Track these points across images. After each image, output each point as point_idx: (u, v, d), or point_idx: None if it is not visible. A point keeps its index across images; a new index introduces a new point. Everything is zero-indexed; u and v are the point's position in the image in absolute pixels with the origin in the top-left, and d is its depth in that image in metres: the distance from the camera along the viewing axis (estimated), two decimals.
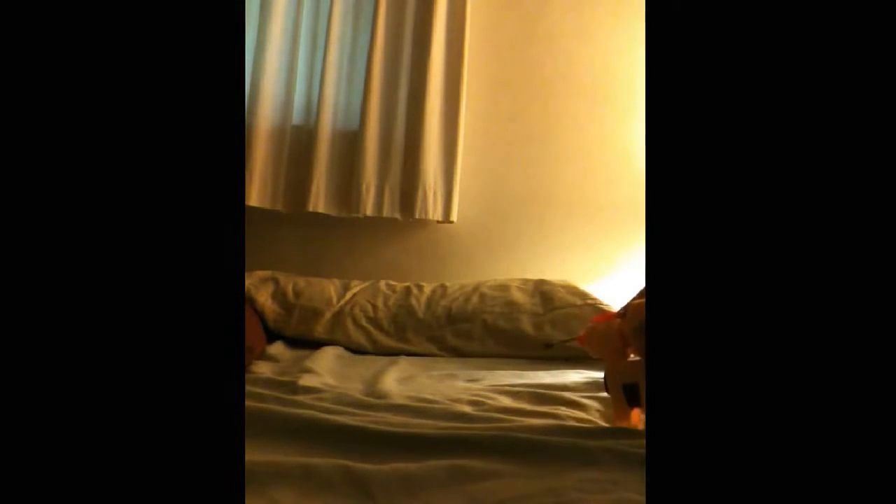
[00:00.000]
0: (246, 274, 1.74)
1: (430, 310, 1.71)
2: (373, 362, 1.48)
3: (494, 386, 1.20)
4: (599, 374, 1.39)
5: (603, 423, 0.95)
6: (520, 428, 0.84)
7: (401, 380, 1.27)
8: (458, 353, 1.63)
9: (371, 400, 1.02)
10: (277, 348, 1.57)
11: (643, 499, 0.58)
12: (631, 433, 0.80)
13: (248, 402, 0.93)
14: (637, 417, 0.88)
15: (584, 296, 1.71)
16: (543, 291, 1.73)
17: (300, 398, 1.00)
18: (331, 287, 1.79)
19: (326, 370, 1.33)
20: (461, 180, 1.99)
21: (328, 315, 1.70)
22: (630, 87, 2.01)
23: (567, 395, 1.11)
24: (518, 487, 0.62)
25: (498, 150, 2.06)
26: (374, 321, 1.69)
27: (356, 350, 1.63)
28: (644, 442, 0.47)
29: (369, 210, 1.97)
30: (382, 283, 1.82)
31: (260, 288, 1.76)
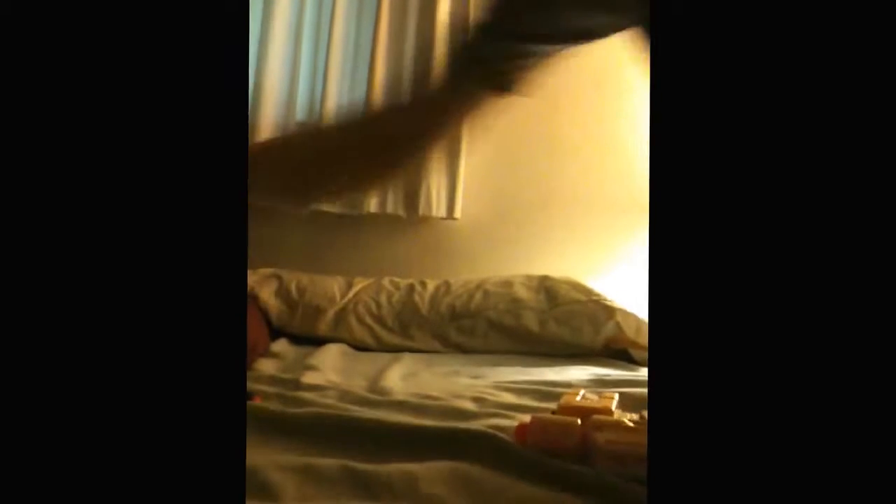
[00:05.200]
0: (249, 271, 1.74)
1: (433, 307, 1.71)
2: (376, 359, 1.47)
3: (498, 383, 1.20)
4: (603, 371, 1.39)
5: None
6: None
7: (405, 376, 1.27)
8: (461, 350, 1.63)
9: (375, 397, 1.02)
10: (281, 345, 1.57)
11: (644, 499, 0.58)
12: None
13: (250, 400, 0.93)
14: None
15: (588, 292, 1.71)
16: (548, 288, 1.73)
17: (303, 395, 1.00)
18: (334, 284, 1.79)
19: (330, 367, 1.33)
20: (464, 177, 1.98)
21: (332, 312, 1.70)
22: (634, 82, 2.00)
23: (571, 391, 1.11)
24: (522, 486, 0.62)
25: (501, 147, 2.06)
26: (377, 318, 1.69)
27: (360, 347, 1.63)
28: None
29: (373, 207, 1.97)
30: (386, 280, 1.82)
31: (263, 285, 1.76)
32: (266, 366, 1.34)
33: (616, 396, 0.79)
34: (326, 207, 1.97)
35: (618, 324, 1.61)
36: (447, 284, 1.80)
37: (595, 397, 0.86)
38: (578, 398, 0.79)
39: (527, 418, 0.73)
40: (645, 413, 0.84)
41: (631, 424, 0.68)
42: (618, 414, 0.73)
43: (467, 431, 0.69)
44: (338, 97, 1.99)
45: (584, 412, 0.70)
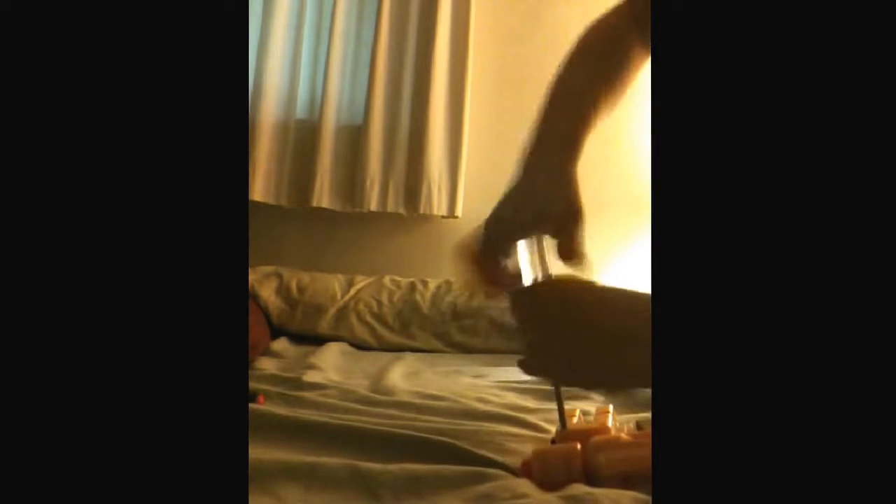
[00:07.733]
0: (249, 269, 1.74)
1: (435, 305, 1.71)
2: (378, 358, 1.47)
3: (500, 382, 1.20)
4: None
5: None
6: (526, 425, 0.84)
7: (406, 376, 1.26)
8: (463, 349, 1.62)
9: (377, 396, 1.02)
10: (281, 344, 1.56)
11: (648, 497, 0.58)
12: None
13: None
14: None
15: None
16: None
17: (305, 394, 1.00)
18: (335, 282, 1.79)
19: (331, 366, 1.32)
20: (466, 175, 1.98)
21: (332, 311, 1.69)
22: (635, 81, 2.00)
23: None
24: (528, 487, 0.61)
25: (503, 145, 2.05)
26: (378, 317, 1.69)
27: (361, 346, 1.62)
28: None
29: (373, 205, 1.96)
30: (387, 279, 1.82)
31: (264, 283, 1.75)
32: (267, 364, 1.34)
33: (611, 408, 0.79)
34: (327, 205, 1.96)
35: None
36: (448, 283, 1.79)
37: (591, 409, 0.86)
38: (575, 419, 0.79)
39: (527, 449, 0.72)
40: (640, 423, 0.84)
41: (629, 439, 0.68)
42: (615, 430, 0.73)
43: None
44: (338, 96, 1.99)
45: (583, 435, 0.70)
